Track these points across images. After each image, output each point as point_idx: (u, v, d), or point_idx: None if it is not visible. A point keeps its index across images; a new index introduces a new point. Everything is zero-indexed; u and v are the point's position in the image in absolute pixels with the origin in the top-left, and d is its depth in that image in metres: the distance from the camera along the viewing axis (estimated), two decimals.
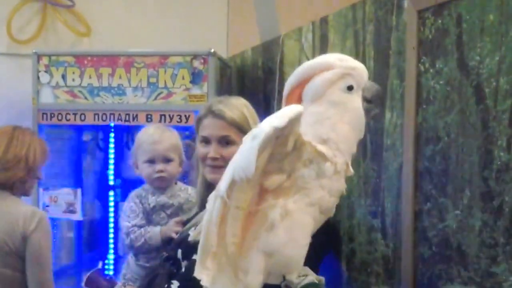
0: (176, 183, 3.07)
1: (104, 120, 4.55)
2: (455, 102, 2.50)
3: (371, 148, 2.99)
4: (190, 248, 2.58)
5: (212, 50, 4.43)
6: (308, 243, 1.56)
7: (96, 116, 4.52)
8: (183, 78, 4.41)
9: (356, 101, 1.59)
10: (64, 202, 4.53)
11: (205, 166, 2.69)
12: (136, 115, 4.43)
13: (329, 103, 1.56)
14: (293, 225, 1.53)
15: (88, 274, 3.13)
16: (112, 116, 4.50)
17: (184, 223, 2.82)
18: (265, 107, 4.38)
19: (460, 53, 2.48)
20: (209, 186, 2.74)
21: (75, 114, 4.54)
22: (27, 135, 3.38)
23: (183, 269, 2.61)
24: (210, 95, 4.35)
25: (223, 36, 5.46)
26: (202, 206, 2.76)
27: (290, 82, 1.64)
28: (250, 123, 2.64)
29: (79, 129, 4.85)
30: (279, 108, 3.97)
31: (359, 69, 1.61)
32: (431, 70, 2.64)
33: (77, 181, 4.76)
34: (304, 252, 1.55)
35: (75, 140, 4.88)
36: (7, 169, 3.23)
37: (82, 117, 4.54)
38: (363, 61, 3.11)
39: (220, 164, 2.64)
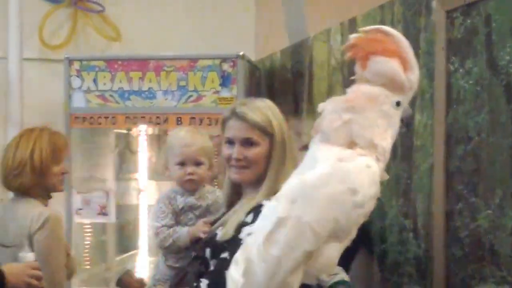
0: (204, 186, 3.09)
1: (135, 124, 4.59)
2: (485, 101, 2.50)
3: (401, 149, 2.99)
4: (218, 247, 2.62)
5: (241, 53, 4.45)
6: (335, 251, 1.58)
7: (127, 120, 4.56)
8: (212, 81, 4.42)
9: (398, 118, 1.63)
10: (97, 205, 4.58)
11: (229, 167, 2.72)
12: (167, 118, 4.46)
13: (380, 112, 1.60)
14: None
15: (120, 275, 3.16)
16: (142, 120, 4.54)
17: (212, 224, 2.85)
18: (294, 109, 4.40)
19: (490, 52, 2.48)
20: (234, 186, 2.79)
21: (106, 118, 4.58)
22: (34, 134, 3.34)
23: (211, 268, 2.63)
24: (240, 98, 4.35)
25: (252, 38, 5.48)
26: (228, 206, 2.79)
27: (378, 27, 1.64)
28: (274, 124, 2.65)
29: (111, 133, 4.89)
30: (308, 109, 3.98)
31: (413, 91, 1.65)
32: (460, 70, 2.64)
33: (109, 184, 4.79)
34: (339, 254, 1.57)
35: (107, 143, 4.92)
36: (16, 175, 3.25)
37: (113, 120, 4.57)
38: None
39: (243, 165, 2.67)
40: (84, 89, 4.62)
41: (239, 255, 1.64)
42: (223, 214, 2.81)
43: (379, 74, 1.59)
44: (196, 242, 2.89)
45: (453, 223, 2.64)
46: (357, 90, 1.62)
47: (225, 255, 2.57)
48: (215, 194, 3.10)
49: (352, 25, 3.55)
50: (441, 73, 2.74)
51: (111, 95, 4.58)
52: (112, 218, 4.64)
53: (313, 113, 3.94)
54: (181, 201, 3.06)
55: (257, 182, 2.65)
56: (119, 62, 4.61)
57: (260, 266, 1.61)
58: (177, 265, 3.02)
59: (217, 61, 4.44)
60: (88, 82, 4.61)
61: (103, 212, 4.60)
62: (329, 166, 1.63)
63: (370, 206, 1.66)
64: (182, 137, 3.10)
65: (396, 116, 1.63)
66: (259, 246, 1.63)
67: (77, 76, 4.64)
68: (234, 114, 2.69)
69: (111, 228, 4.90)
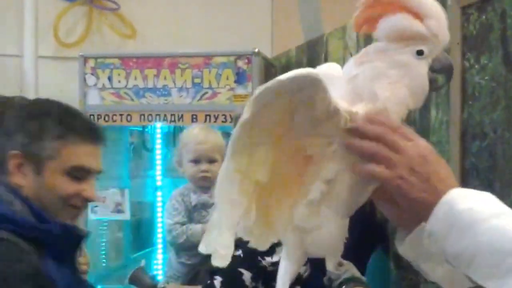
0: None
1: (150, 121, 4.60)
2: (500, 97, 2.49)
3: None
4: None
5: (256, 50, 4.45)
6: (347, 225, 1.50)
7: (142, 117, 4.57)
8: (227, 78, 4.43)
9: (422, 68, 1.46)
10: (113, 202, 4.60)
11: None
12: (182, 116, 4.46)
13: (393, 62, 1.42)
14: (334, 202, 1.46)
15: (132, 271, 3.17)
16: (157, 117, 4.54)
17: None
18: None
19: (505, 48, 2.47)
20: None
21: (121, 115, 4.60)
22: None
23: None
24: None
25: (268, 35, 5.48)
26: None
27: None
28: None
29: (126, 130, 4.90)
30: None
31: (440, 39, 1.48)
32: (476, 66, 2.63)
33: (124, 181, 4.81)
34: (343, 234, 1.50)
35: (122, 140, 4.93)
36: None
37: (128, 118, 4.59)
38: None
39: None
40: (99, 86, 4.64)
41: None
42: None
43: (387, 30, 1.48)
44: None
45: None
46: (368, 47, 1.51)
47: (238, 252, 2.59)
48: None
49: None
50: (456, 69, 2.73)
51: (125, 93, 4.59)
52: (127, 216, 4.66)
53: None
54: (194, 198, 3.07)
55: None
56: (134, 60, 4.62)
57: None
58: (189, 262, 3.04)
59: (232, 58, 4.45)
60: (103, 79, 4.63)
61: (118, 210, 4.62)
62: None
63: None
64: (196, 134, 3.11)
65: (419, 66, 1.43)
66: None
67: (92, 74, 4.66)
68: None
69: (127, 226, 4.91)
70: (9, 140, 2.01)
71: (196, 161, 3.06)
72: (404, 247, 1.46)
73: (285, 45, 5.00)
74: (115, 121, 4.61)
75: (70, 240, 1.97)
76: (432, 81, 1.46)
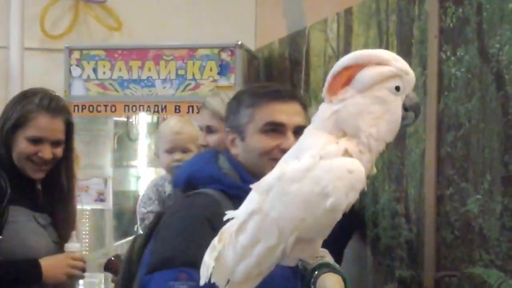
0: None
1: (134, 112, 4.62)
2: (475, 89, 2.54)
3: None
4: None
5: (240, 42, 4.49)
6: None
7: (126, 108, 4.60)
8: (210, 70, 4.46)
9: (398, 104, 1.55)
10: (95, 191, 4.64)
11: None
12: (165, 106, 4.49)
13: (374, 98, 1.51)
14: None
15: (108, 259, 3.18)
16: (141, 108, 4.57)
17: None
18: None
19: (481, 41, 2.52)
20: None
21: (105, 106, 4.62)
22: None
23: None
24: (238, 87, 4.39)
25: (251, 28, 5.50)
26: None
27: (342, 63, 1.58)
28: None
29: (110, 121, 4.93)
30: (305, 97, 4.02)
31: (410, 75, 1.58)
32: (452, 58, 2.68)
33: (107, 171, 4.83)
34: (315, 249, 1.58)
35: (106, 131, 4.96)
36: None
37: (113, 108, 4.61)
38: (386, 50, 3.15)
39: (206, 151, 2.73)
40: (84, 78, 4.66)
41: (216, 241, 1.63)
42: None
43: (364, 82, 1.57)
44: None
45: (444, 208, 2.68)
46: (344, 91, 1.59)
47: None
48: None
49: (348, 15, 3.59)
50: (433, 61, 2.78)
51: (110, 84, 4.62)
52: (109, 205, 4.70)
53: (310, 101, 3.97)
54: (168, 188, 3.09)
55: None
56: (119, 52, 4.64)
57: (229, 252, 1.60)
58: None
59: (215, 50, 4.48)
60: (88, 71, 4.65)
61: (100, 199, 4.66)
62: (309, 161, 1.57)
63: (344, 209, 1.60)
64: (172, 126, 3.15)
65: (395, 102, 1.54)
66: (231, 233, 1.62)
67: (77, 65, 4.68)
68: (203, 103, 2.76)
69: (109, 215, 4.94)
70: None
71: (170, 151, 3.10)
72: None
73: (268, 38, 5.04)
74: (99, 111, 4.63)
75: None
76: (403, 118, 1.55)
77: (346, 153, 1.54)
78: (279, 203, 1.54)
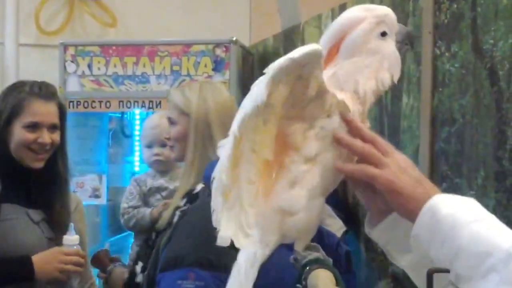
0: (179, 167, 3.11)
1: (129, 108, 4.63)
2: (469, 84, 2.54)
3: (388, 131, 3.04)
4: (160, 231, 2.64)
5: (234, 38, 4.49)
6: (322, 206, 1.54)
7: (121, 104, 4.60)
8: (205, 65, 4.47)
9: (391, 46, 1.55)
10: (90, 187, 4.64)
11: None
12: (160, 102, 4.49)
13: (366, 52, 1.49)
14: (314, 183, 1.50)
15: (94, 253, 3.17)
16: (136, 104, 4.58)
17: None
18: None
19: (475, 36, 2.52)
20: None
21: (100, 102, 4.63)
22: None
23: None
24: (232, 83, 4.41)
25: (246, 24, 5.51)
26: None
27: (324, 42, 1.60)
28: (193, 102, 2.61)
29: (105, 116, 4.93)
30: None
31: (390, 15, 1.56)
32: (446, 54, 2.68)
33: (102, 167, 4.84)
34: (319, 217, 1.55)
35: (101, 127, 4.96)
36: None
37: (108, 104, 4.62)
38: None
39: (171, 144, 2.71)
40: (79, 73, 4.66)
41: None
42: None
43: (347, 47, 1.57)
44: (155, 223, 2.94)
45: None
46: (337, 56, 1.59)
47: (164, 238, 2.61)
48: None
49: (342, 11, 3.58)
50: (427, 56, 2.78)
51: (105, 80, 4.62)
52: (103, 200, 4.70)
53: None
54: (149, 182, 3.09)
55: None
56: (114, 48, 4.65)
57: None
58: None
59: (210, 46, 4.48)
60: (83, 67, 4.66)
61: (95, 195, 4.66)
62: None
63: None
64: (150, 120, 3.14)
65: (387, 45, 1.53)
66: None
67: (72, 61, 4.68)
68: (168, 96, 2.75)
69: (103, 210, 4.94)
70: None
71: (149, 145, 3.09)
72: (376, 232, 1.51)
73: (263, 34, 5.04)
74: (94, 107, 4.64)
75: None
76: (400, 51, 1.55)
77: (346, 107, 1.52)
78: None
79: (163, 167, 3.08)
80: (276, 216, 1.47)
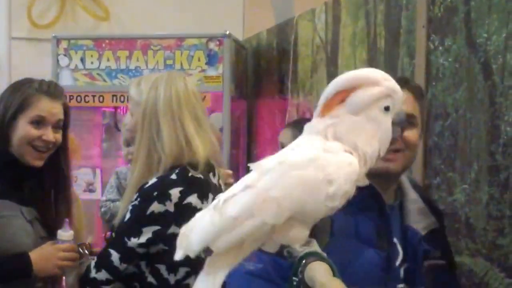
0: None
1: (122, 102, 4.62)
2: (463, 78, 2.54)
3: None
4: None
5: (227, 32, 4.49)
6: None
7: (114, 98, 4.60)
8: (199, 59, 4.46)
9: (388, 123, 1.61)
10: (84, 181, 4.63)
11: None
12: None
13: (367, 118, 1.56)
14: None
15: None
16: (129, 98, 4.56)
17: None
18: (280, 87, 4.44)
19: (468, 30, 2.52)
20: None
21: (93, 96, 4.62)
22: None
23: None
24: (226, 76, 4.41)
25: (239, 18, 5.50)
26: None
27: (335, 86, 1.63)
28: (144, 92, 2.54)
29: (98, 111, 4.92)
30: (293, 87, 4.02)
31: (399, 94, 1.62)
32: (440, 48, 2.68)
33: (96, 161, 4.83)
34: (305, 235, 1.59)
35: (95, 121, 4.96)
36: None
37: (101, 99, 4.61)
38: (374, 40, 3.16)
39: (133, 135, 2.63)
40: (72, 67, 4.66)
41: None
42: None
43: (356, 104, 1.62)
44: None
45: (431, 197, 2.68)
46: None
47: (113, 233, 2.58)
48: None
49: (336, 5, 3.59)
50: (421, 50, 2.79)
51: (98, 74, 4.62)
52: (98, 195, 4.68)
53: (298, 91, 3.98)
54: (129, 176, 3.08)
55: None
56: (107, 41, 4.64)
57: (214, 218, 1.58)
58: None
59: (203, 40, 4.48)
60: (76, 60, 4.65)
61: (89, 189, 4.65)
62: (313, 152, 1.61)
63: (341, 202, 1.63)
64: (127, 118, 3.10)
65: (386, 121, 1.60)
66: (219, 201, 1.60)
67: (65, 55, 4.67)
68: None
69: (98, 205, 4.93)
70: None
71: (126, 143, 3.06)
72: None
73: (256, 28, 5.04)
74: (87, 101, 4.63)
75: None
76: (392, 132, 1.60)
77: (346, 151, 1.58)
78: (281, 183, 1.55)
79: None
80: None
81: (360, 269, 1.64)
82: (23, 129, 2.70)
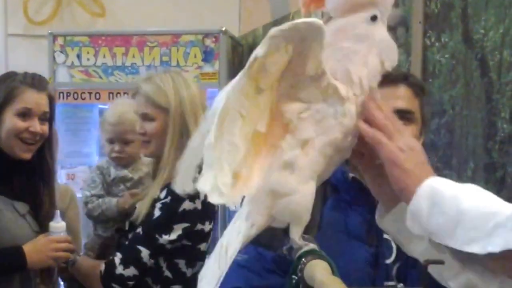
0: (140, 158, 3.09)
1: None
2: (460, 75, 2.53)
3: None
4: (134, 222, 2.68)
5: (224, 29, 4.47)
6: (314, 192, 1.50)
7: (111, 95, 4.58)
8: (195, 56, 4.45)
9: (382, 30, 1.47)
10: (81, 179, 4.61)
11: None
12: None
13: (355, 38, 1.41)
14: (307, 166, 1.46)
15: None
16: (126, 95, 4.55)
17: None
18: None
19: (465, 26, 2.51)
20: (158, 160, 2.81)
21: (90, 93, 4.61)
22: None
23: (126, 242, 2.70)
24: (222, 73, 4.40)
25: (235, 14, 5.48)
26: (153, 178, 2.83)
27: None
28: (170, 97, 2.66)
29: (95, 108, 4.90)
30: None
31: None
32: (436, 44, 2.67)
33: (93, 159, 4.82)
34: (311, 201, 1.51)
35: (91, 118, 4.93)
36: None
37: (97, 96, 4.60)
38: None
39: (146, 139, 2.72)
40: (68, 64, 4.64)
41: None
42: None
43: (335, 6, 1.49)
44: (124, 213, 2.94)
45: None
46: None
47: (138, 230, 2.63)
48: (150, 166, 3.11)
49: None
50: (417, 47, 2.77)
51: (94, 71, 4.60)
52: None
53: None
54: (113, 172, 3.07)
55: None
56: (103, 38, 4.62)
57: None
58: (105, 234, 3.04)
59: (199, 37, 4.46)
60: (72, 57, 4.64)
61: None
62: None
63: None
64: (111, 115, 3.08)
65: (377, 30, 1.45)
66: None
67: (61, 52, 4.66)
68: (138, 89, 2.73)
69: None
70: None
71: (110, 141, 3.05)
72: (385, 221, 1.50)
73: (252, 24, 5.02)
74: (84, 98, 4.62)
75: None
76: (394, 38, 1.49)
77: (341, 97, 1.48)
78: None
79: (123, 163, 3.04)
80: (267, 197, 1.43)
81: (347, 264, 1.60)
82: (9, 121, 2.70)
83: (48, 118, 2.80)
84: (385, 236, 2.00)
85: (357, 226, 1.97)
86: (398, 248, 2.01)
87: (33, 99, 2.72)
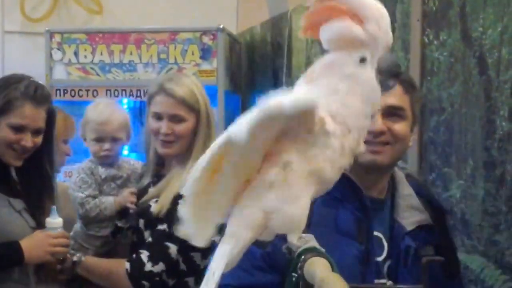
0: (123, 156, 3.14)
1: (116, 96, 4.58)
2: (458, 73, 2.53)
3: None
4: (153, 219, 2.72)
5: (221, 26, 4.46)
6: (308, 205, 1.51)
7: (108, 92, 4.57)
8: (192, 53, 4.44)
9: (368, 73, 1.47)
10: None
11: (157, 140, 2.80)
12: (147, 91, 4.45)
13: (341, 75, 1.44)
14: (293, 184, 1.47)
15: None
16: (123, 92, 4.55)
17: (139, 194, 2.89)
18: (274, 82, 4.42)
19: (464, 24, 2.51)
20: (160, 159, 2.88)
21: (87, 91, 4.60)
22: None
23: (149, 239, 2.72)
24: (220, 71, 4.39)
25: (233, 12, 5.49)
26: (154, 176, 2.89)
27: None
28: (199, 100, 2.76)
29: None
30: (287, 82, 4.01)
31: (380, 42, 1.48)
32: (435, 42, 2.67)
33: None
34: (306, 213, 1.52)
35: None
36: None
37: (95, 93, 4.59)
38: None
39: (171, 139, 2.76)
40: (65, 61, 4.63)
41: None
42: (149, 184, 2.86)
43: (329, 39, 1.50)
44: (123, 212, 2.94)
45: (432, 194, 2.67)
46: (317, 63, 1.52)
47: (163, 227, 2.68)
48: (129, 163, 3.13)
49: None
50: (416, 45, 2.77)
51: (92, 68, 4.59)
52: None
53: (292, 85, 3.95)
54: (102, 171, 3.08)
55: (184, 155, 2.75)
56: (100, 35, 4.61)
57: None
58: (99, 234, 3.04)
59: (197, 34, 4.46)
60: (69, 54, 4.62)
61: None
62: None
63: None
64: (99, 114, 3.09)
65: (365, 72, 1.47)
66: None
67: (58, 49, 4.65)
68: (163, 90, 2.76)
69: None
70: None
71: (99, 140, 3.06)
72: None
73: (250, 22, 5.02)
74: (81, 96, 4.61)
75: None
76: (382, 82, 1.48)
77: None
78: None
79: (110, 160, 3.06)
80: (257, 213, 1.45)
81: (337, 261, 1.61)
82: (2, 131, 2.70)
83: (48, 129, 2.80)
84: (376, 233, 2.01)
85: (347, 223, 1.97)
86: (389, 246, 2.02)
87: (30, 114, 2.72)
